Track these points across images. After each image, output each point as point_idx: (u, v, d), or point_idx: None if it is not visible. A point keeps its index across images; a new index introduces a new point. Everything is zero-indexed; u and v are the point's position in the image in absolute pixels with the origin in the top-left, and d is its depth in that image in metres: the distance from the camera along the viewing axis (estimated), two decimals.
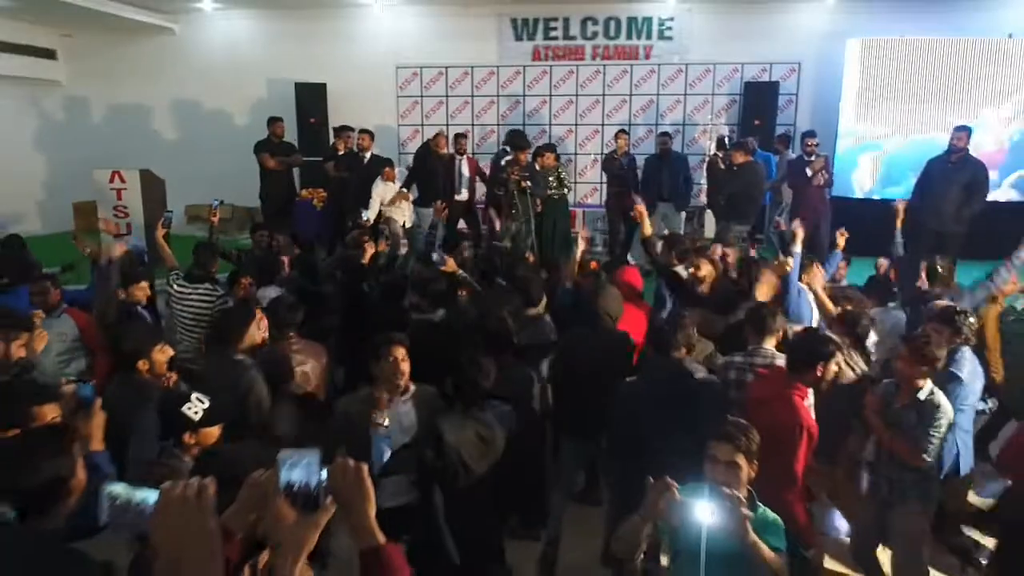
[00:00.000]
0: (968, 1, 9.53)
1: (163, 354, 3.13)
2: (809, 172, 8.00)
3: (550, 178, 7.80)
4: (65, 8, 9.60)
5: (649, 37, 10.81)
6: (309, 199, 9.51)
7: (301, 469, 1.24)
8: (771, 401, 3.00)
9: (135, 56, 11.55)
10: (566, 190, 8.11)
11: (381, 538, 1.40)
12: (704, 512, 1.93)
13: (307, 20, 10.93)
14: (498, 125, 11.20)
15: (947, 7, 9.59)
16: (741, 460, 2.23)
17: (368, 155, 8.78)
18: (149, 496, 1.25)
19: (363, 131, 8.87)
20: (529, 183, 7.43)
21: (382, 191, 8.06)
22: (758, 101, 10.34)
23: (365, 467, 1.38)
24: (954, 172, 6.45)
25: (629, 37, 10.85)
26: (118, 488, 1.28)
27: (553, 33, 10.93)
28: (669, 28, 10.74)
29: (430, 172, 8.54)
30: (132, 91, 11.67)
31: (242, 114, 11.48)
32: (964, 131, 6.55)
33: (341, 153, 8.69)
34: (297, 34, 11.04)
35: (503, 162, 8.01)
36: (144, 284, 4.63)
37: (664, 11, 10.63)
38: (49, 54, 11.70)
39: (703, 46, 10.69)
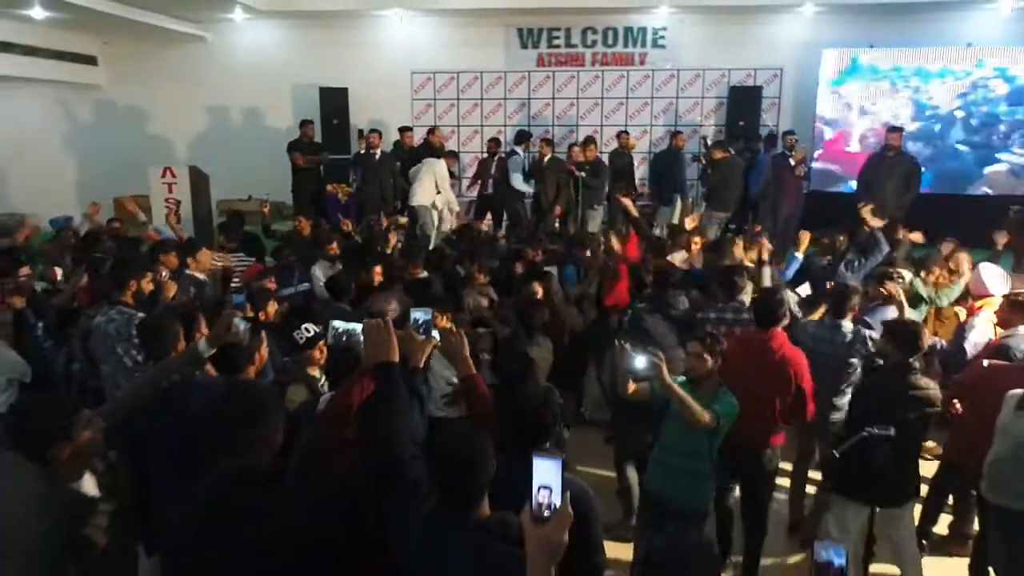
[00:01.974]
0: (932, 14, 10.50)
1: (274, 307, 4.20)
2: (792, 162, 9.06)
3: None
4: (105, 18, 10.43)
5: (644, 45, 11.80)
6: (335, 193, 10.46)
7: (421, 313, 2.23)
8: (764, 356, 3.67)
9: (170, 62, 12.45)
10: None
11: (473, 370, 2.39)
12: (641, 361, 3.12)
13: (330, 29, 11.87)
14: (505, 126, 12.15)
15: (912, 19, 10.57)
16: (705, 354, 3.24)
17: (379, 152, 9.80)
18: (356, 327, 2.23)
19: (372, 131, 9.86)
20: (584, 173, 8.62)
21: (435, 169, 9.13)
22: (743, 104, 11.32)
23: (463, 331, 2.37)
24: (892, 167, 7.57)
25: (626, 45, 11.83)
26: (338, 323, 2.27)
27: (556, 41, 11.92)
28: (662, 37, 11.73)
29: None
30: (167, 95, 12.57)
31: (270, 116, 12.43)
32: (898, 131, 7.69)
33: (362, 152, 9.68)
34: (321, 42, 11.99)
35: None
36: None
37: (658, 21, 11.61)
38: (90, 60, 12.59)
39: (693, 53, 11.66)
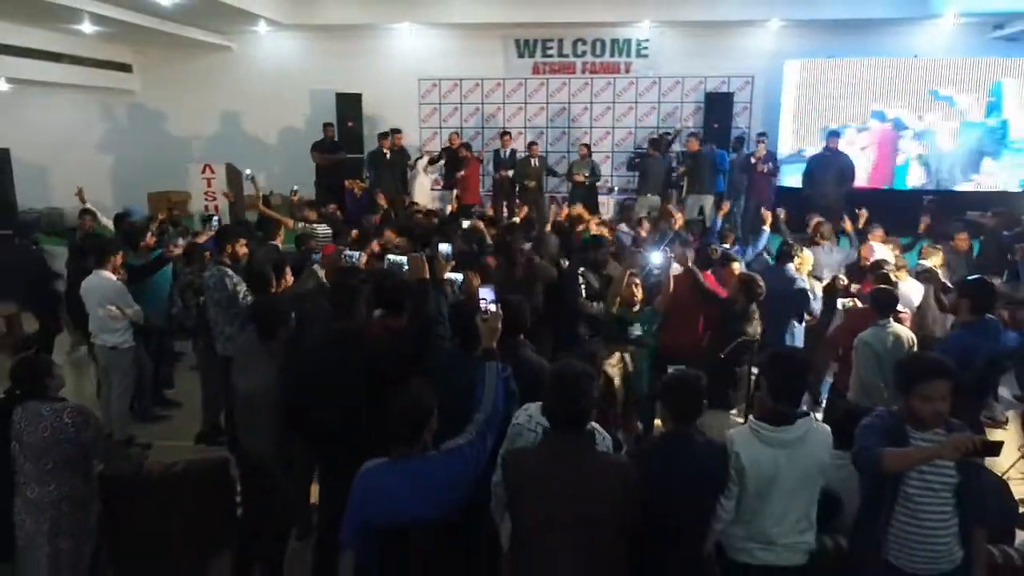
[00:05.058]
0: (883, 28, 11.77)
1: None
2: (753, 160, 10.34)
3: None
4: (140, 30, 11.55)
5: (629, 55, 13.04)
6: (352, 188, 11.67)
7: (446, 247, 3.55)
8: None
9: (198, 70, 13.63)
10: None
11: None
12: (657, 256, 4.77)
13: (346, 40, 13.05)
14: (503, 128, 13.35)
15: (866, 32, 11.83)
16: (636, 287, 4.51)
17: (389, 152, 11.08)
18: (403, 259, 3.50)
19: (382, 134, 11.13)
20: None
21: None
22: (718, 108, 12.55)
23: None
24: (830, 165, 8.92)
25: (612, 55, 13.08)
26: (392, 256, 3.53)
27: (550, 51, 13.16)
28: (645, 48, 12.98)
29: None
30: (194, 99, 13.73)
31: (289, 119, 13.63)
32: (835, 136, 9.03)
33: (386, 151, 10.94)
34: (337, 51, 13.20)
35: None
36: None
37: (641, 34, 12.86)
38: (125, 68, 13.75)
39: (673, 62, 12.92)
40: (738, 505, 2.67)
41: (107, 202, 13.17)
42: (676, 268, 5.13)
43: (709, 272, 5.19)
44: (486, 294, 2.86)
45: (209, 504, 3.62)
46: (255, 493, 3.48)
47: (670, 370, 2.85)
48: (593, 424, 2.78)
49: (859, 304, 5.37)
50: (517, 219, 7.29)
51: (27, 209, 12.33)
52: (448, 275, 3.53)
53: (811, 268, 6.17)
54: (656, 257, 4.71)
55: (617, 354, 4.47)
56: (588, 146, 11.52)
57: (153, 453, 5.29)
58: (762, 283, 4.64)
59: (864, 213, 7.09)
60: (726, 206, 8.18)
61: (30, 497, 3.11)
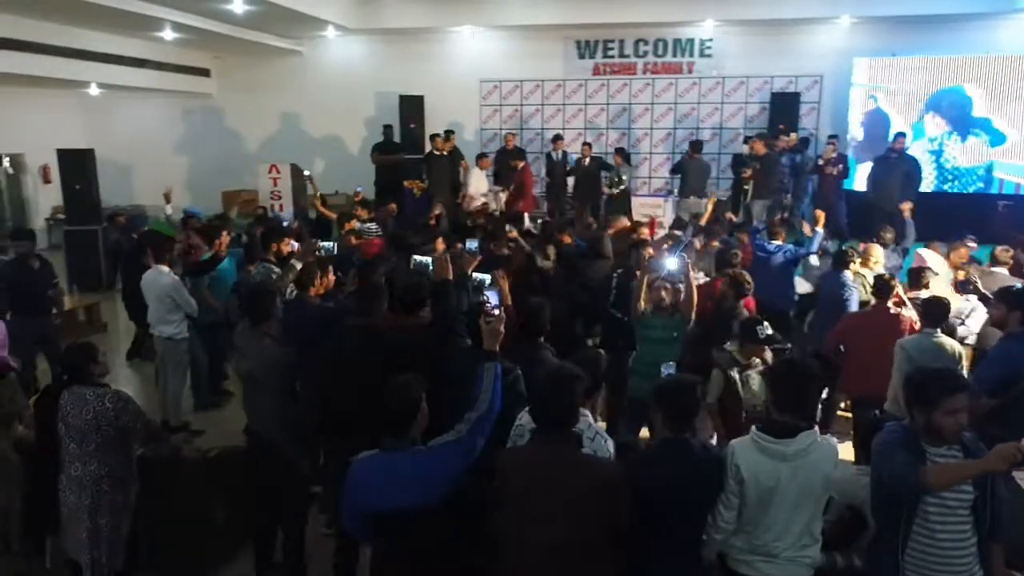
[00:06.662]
0: (957, 23, 11.15)
1: None
2: (821, 162, 10.04)
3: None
4: (217, 36, 12.16)
5: (692, 55, 12.84)
6: (411, 188, 11.93)
7: (472, 243, 3.60)
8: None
9: (270, 73, 14.19)
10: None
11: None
12: (672, 262, 4.65)
13: (409, 43, 13.34)
14: (563, 129, 13.33)
15: (939, 28, 11.25)
16: (665, 293, 4.47)
17: (445, 154, 11.27)
18: (428, 260, 3.60)
19: (435, 135, 11.32)
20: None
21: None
22: (784, 109, 12.19)
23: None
24: (895, 167, 8.52)
25: (675, 55, 12.90)
26: (417, 257, 3.63)
27: (610, 52, 13.09)
28: (709, 47, 12.74)
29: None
30: (267, 101, 14.32)
31: (355, 120, 14.02)
32: (902, 136, 8.60)
33: (438, 153, 11.15)
34: (401, 55, 13.51)
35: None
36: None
37: (704, 33, 12.63)
38: (204, 72, 14.51)
39: (737, 62, 12.63)
40: (739, 516, 2.64)
41: (183, 200, 13.89)
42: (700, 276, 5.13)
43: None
44: (491, 297, 2.92)
45: (240, 488, 3.81)
46: (269, 472, 3.63)
47: (664, 374, 2.84)
48: (596, 428, 2.80)
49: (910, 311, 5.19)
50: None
51: (111, 207, 13.09)
52: (475, 275, 3.62)
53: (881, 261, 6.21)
54: (672, 263, 4.65)
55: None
56: (621, 150, 11.37)
57: (209, 440, 5.58)
58: (750, 280, 4.71)
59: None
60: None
61: (73, 475, 3.36)
